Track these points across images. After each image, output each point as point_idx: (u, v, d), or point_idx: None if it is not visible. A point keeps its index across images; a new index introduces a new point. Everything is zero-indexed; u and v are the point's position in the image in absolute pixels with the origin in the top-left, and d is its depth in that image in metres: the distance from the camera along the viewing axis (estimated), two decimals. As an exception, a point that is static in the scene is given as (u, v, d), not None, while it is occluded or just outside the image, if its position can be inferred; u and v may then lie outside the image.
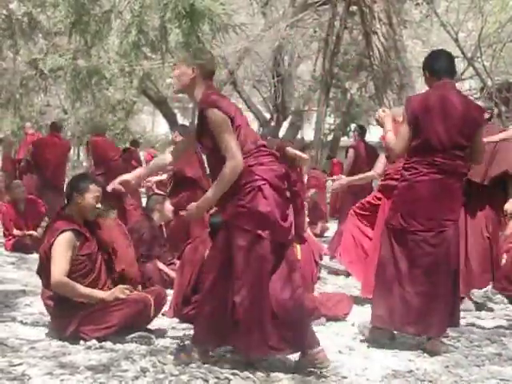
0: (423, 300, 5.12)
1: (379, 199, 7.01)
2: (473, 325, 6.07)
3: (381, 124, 5.77)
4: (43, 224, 10.49)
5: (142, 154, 26.72)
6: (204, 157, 6.59)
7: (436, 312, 5.12)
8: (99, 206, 5.35)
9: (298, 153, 10.23)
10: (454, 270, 5.24)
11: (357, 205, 7.35)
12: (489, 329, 5.92)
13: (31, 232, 9.91)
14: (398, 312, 5.15)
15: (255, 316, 4.37)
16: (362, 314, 6.03)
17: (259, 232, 4.35)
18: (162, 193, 9.18)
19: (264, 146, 4.57)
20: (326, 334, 5.54)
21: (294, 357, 4.56)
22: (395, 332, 5.34)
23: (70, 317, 5.03)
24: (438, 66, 5.24)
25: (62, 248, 5.03)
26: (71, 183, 5.42)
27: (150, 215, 7.76)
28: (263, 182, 4.37)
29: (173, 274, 7.06)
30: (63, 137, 15.19)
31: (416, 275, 5.15)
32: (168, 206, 7.86)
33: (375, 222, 6.92)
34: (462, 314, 6.38)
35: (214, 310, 4.49)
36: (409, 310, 5.12)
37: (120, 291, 5.11)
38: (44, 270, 5.17)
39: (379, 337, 5.30)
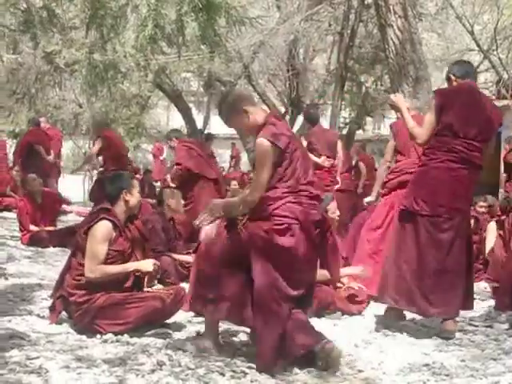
0: (433, 281, 5.29)
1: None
2: (490, 319, 6.04)
3: (396, 108, 5.84)
4: (60, 217, 10.57)
5: (151, 148, 26.97)
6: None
7: (447, 294, 5.28)
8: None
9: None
10: (466, 256, 5.42)
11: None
12: (506, 323, 5.89)
13: (48, 228, 9.92)
14: (406, 292, 5.32)
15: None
16: (377, 309, 6.02)
17: (275, 260, 4.36)
18: (174, 185, 9.18)
19: (312, 184, 4.50)
20: (342, 328, 5.55)
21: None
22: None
23: (86, 307, 5.06)
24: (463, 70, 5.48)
25: (99, 239, 5.12)
26: (115, 183, 5.41)
27: (161, 208, 7.78)
28: (296, 222, 4.37)
29: (190, 259, 7.00)
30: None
31: (425, 257, 5.31)
32: (179, 200, 7.86)
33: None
34: (479, 307, 6.36)
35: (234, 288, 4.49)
36: (419, 290, 5.28)
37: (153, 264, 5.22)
38: (79, 249, 5.24)
39: (393, 317, 5.52)
